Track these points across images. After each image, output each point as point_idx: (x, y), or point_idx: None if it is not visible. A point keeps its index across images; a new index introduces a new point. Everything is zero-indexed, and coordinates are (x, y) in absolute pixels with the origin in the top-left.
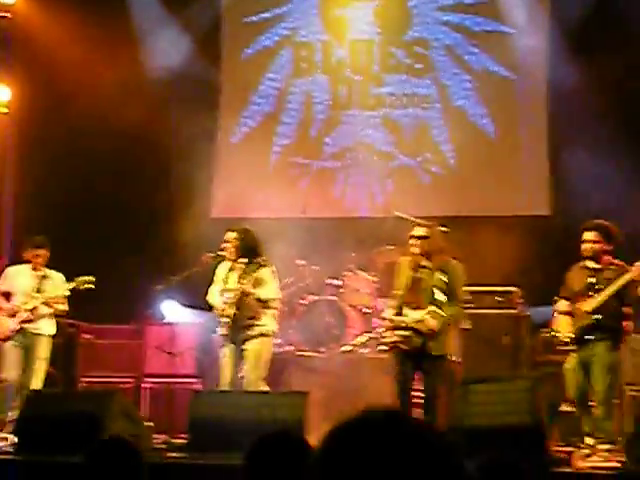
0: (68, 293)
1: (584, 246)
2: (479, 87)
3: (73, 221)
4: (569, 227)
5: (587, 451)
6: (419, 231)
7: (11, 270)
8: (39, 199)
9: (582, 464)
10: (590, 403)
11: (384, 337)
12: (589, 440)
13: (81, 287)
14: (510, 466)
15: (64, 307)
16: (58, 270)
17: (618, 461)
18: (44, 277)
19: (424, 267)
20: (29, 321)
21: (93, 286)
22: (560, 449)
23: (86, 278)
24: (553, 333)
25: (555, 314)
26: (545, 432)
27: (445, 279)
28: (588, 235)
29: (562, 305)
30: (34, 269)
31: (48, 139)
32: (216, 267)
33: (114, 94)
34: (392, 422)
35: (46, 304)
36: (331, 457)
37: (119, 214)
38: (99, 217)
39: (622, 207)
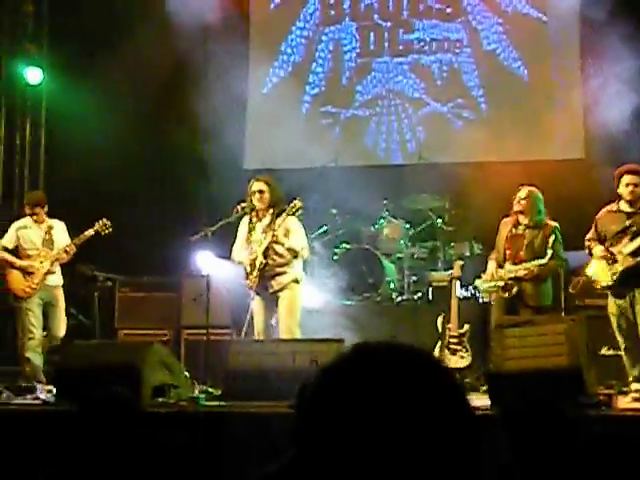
0: (78, 242)
1: (627, 189)
2: (510, 30)
3: (106, 175)
4: (603, 170)
5: (636, 395)
6: (523, 193)
7: (17, 226)
8: (70, 154)
9: (625, 406)
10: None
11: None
12: (636, 385)
13: (102, 232)
14: (549, 408)
15: (70, 254)
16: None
17: None
18: (50, 228)
19: (524, 225)
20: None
21: (111, 229)
22: (600, 392)
23: (105, 221)
24: (591, 278)
25: (593, 259)
26: (583, 375)
27: (542, 238)
28: (630, 179)
29: (598, 250)
30: (36, 221)
31: (77, 90)
32: (238, 225)
33: (142, 46)
34: (386, 349)
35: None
36: (326, 390)
37: (152, 167)
38: (131, 170)
39: None
